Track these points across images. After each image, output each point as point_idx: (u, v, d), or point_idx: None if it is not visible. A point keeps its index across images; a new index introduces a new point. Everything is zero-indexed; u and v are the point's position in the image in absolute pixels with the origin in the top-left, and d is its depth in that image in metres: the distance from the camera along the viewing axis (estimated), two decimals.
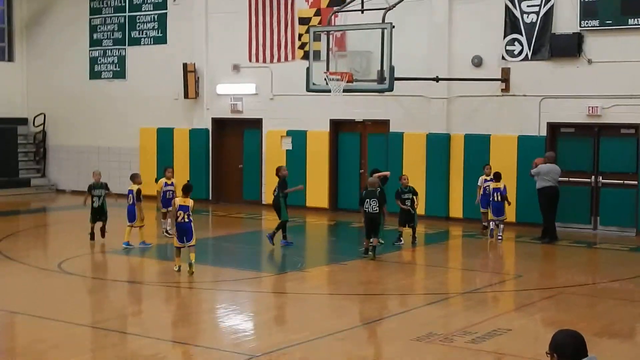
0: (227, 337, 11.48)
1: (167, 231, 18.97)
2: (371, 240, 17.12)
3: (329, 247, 20.54)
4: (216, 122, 26.89)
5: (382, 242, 18.10)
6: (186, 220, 15.42)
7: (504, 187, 19.82)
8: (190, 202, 15.54)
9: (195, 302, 13.88)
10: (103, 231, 18.77)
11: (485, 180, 20.32)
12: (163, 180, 19.40)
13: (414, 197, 18.91)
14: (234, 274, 15.84)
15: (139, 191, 18.26)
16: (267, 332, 11.84)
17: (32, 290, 14.24)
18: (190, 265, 15.20)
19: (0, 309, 12.46)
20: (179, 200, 15.64)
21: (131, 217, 18.15)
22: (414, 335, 11.17)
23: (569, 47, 20.99)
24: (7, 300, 13.16)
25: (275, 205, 18.60)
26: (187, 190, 15.75)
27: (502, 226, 19.69)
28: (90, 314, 12.88)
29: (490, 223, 19.87)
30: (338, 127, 24.82)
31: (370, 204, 17.03)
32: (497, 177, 19.79)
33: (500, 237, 19.48)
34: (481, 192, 20.41)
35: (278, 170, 18.95)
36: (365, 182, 18.82)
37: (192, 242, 15.43)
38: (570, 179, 21.01)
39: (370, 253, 17.10)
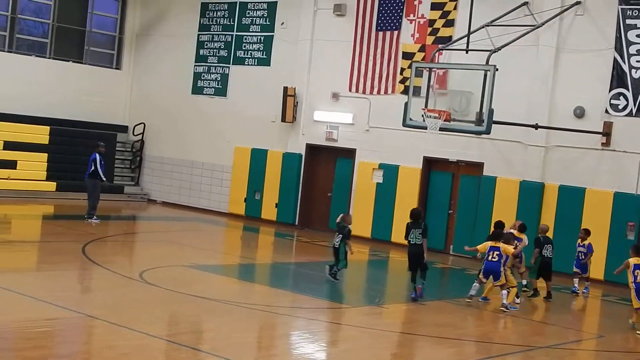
0: None
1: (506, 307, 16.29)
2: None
3: (409, 284, 20.23)
4: (310, 148, 26.98)
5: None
6: None
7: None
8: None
9: (269, 326, 13.81)
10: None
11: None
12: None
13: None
14: (311, 302, 15.74)
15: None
16: None
17: (111, 296, 14.40)
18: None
19: (77, 312, 12.61)
20: (632, 260, 15.26)
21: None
22: None
23: None
24: (86, 304, 13.30)
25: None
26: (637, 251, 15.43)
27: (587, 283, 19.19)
28: (165, 326, 12.93)
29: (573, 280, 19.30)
30: (431, 165, 24.62)
31: None
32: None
33: (585, 292, 19.01)
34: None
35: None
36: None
37: None
38: None
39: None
